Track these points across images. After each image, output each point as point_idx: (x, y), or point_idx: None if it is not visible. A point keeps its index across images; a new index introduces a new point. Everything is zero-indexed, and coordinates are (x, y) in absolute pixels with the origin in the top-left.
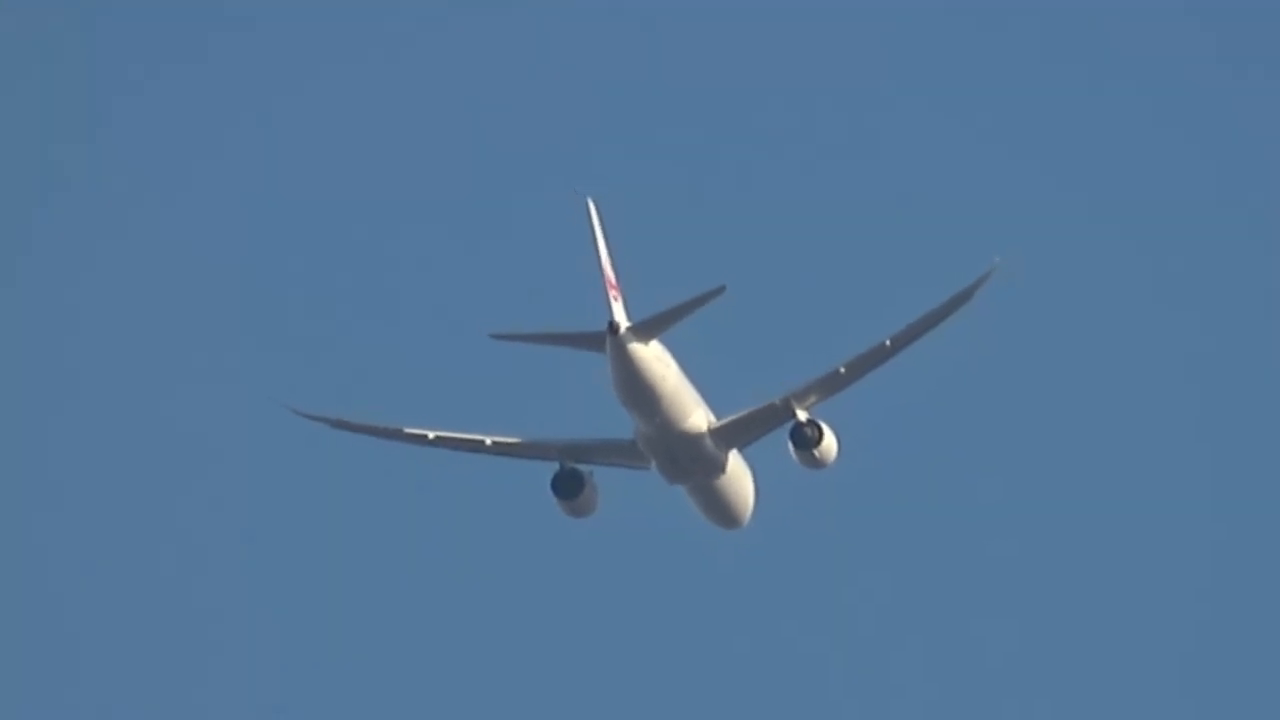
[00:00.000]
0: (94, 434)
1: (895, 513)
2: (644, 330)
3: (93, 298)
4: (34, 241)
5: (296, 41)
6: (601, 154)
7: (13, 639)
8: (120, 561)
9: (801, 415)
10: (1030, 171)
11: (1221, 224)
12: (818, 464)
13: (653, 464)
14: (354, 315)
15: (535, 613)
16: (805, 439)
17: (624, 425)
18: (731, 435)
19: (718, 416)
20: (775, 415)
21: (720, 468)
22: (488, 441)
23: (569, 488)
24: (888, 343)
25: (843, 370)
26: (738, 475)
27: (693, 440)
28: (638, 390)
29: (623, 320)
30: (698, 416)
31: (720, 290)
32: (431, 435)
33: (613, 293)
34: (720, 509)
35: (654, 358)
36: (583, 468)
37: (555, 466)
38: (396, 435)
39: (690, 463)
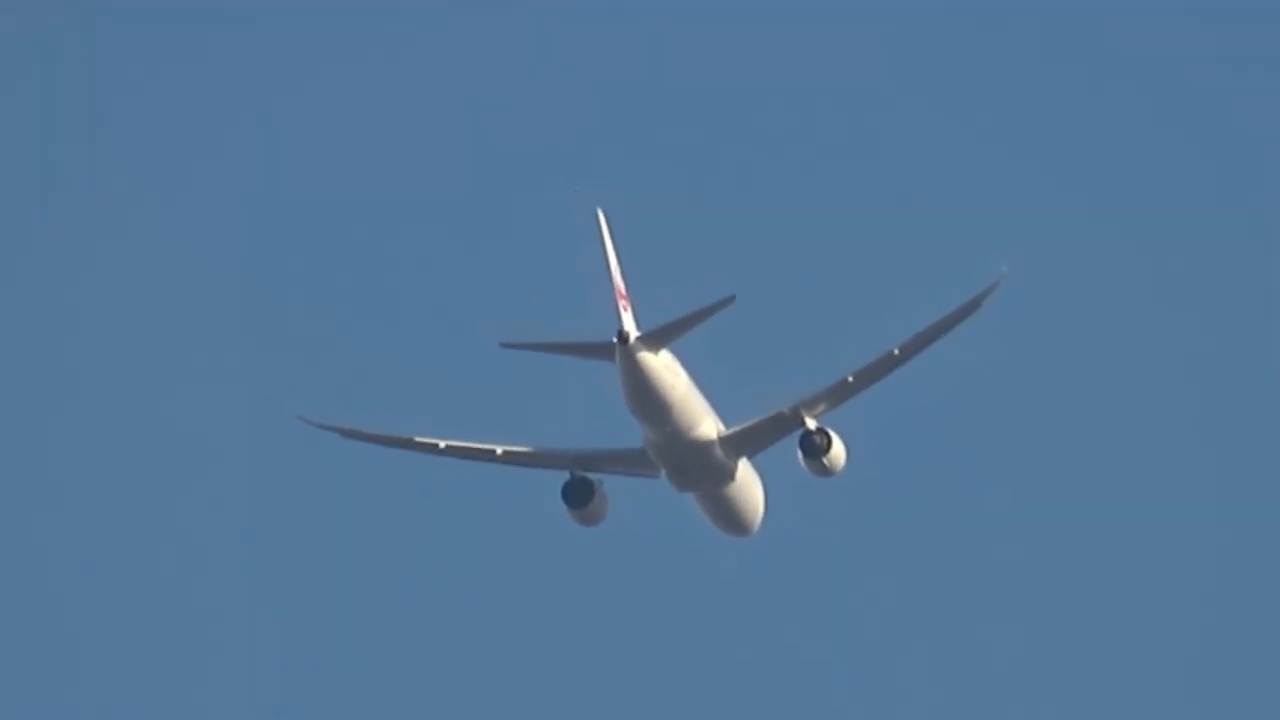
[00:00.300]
0: (94, 434)
1: (904, 521)
2: (653, 340)
3: (93, 298)
4: (34, 241)
5: (296, 41)
6: (601, 154)
7: (13, 639)
8: (120, 561)
9: (810, 423)
10: (1030, 171)
11: (1221, 224)
12: (827, 472)
13: (662, 472)
14: (354, 315)
15: (546, 620)
16: (814, 447)
17: (633, 434)
18: (741, 444)
19: (727, 424)
20: (784, 424)
21: (729, 476)
22: (498, 451)
23: (579, 496)
24: (896, 351)
25: (851, 379)
26: (747, 483)
27: (702, 449)
28: (647, 399)
29: (632, 330)
30: (707, 425)
31: (730, 300)
32: (442, 445)
33: (622, 302)
34: (729, 517)
35: (663, 367)
36: (593, 476)
37: (566, 475)
38: (407, 444)
39: (700, 471)
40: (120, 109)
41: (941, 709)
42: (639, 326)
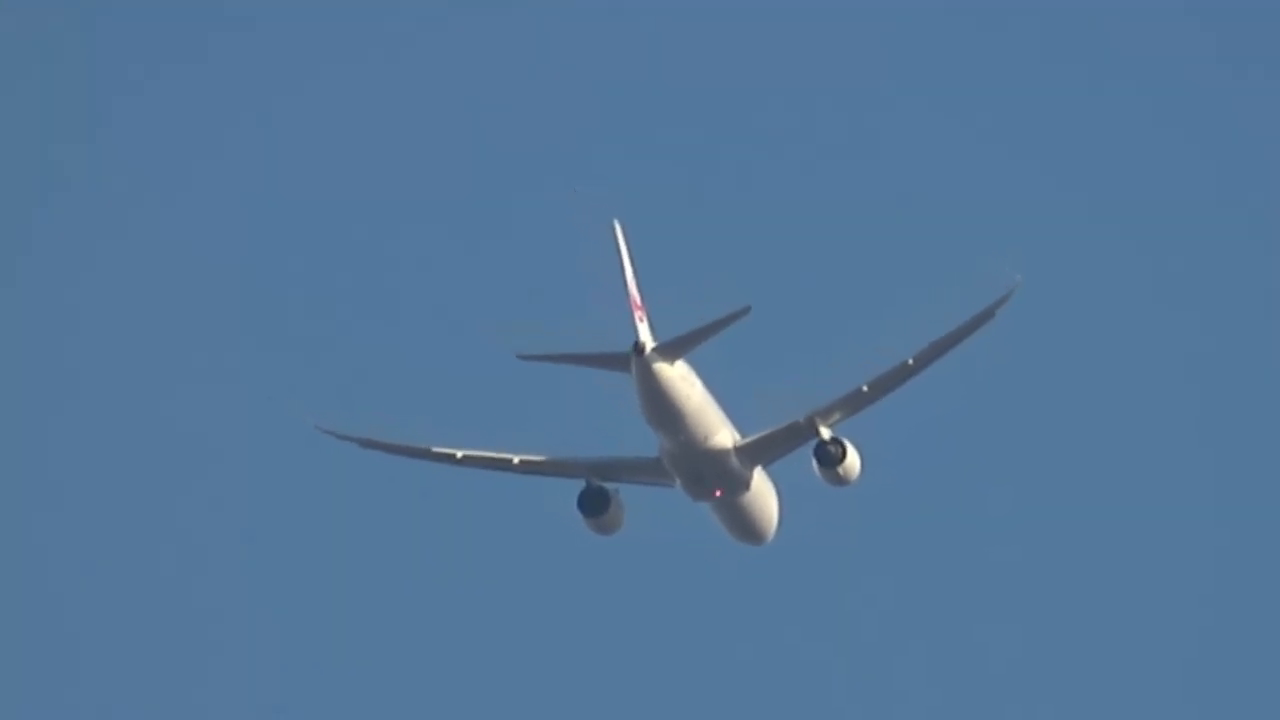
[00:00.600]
0: (94, 434)
1: (918, 529)
2: (669, 350)
3: (93, 298)
4: (34, 241)
5: (296, 41)
6: (601, 154)
7: (13, 639)
8: (119, 561)
9: (825, 433)
10: (1030, 171)
11: (1221, 224)
12: (841, 481)
13: (678, 482)
14: (354, 315)
15: (562, 628)
16: (829, 456)
17: (649, 443)
18: (756, 453)
19: (742, 434)
20: (799, 433)
21: (745, 485)
22: (515, 460)
23: (595, 505)
24: (910, 361)
25: (866, 388)
26: (762, 492)
27: (718, 458)
28: (663, 409)
29: (648, 341)
30: (723, 435)
31: (745, 310)
32: (459, 454)
33: (638, 313)
34: (744, 526)
35: (679, 377)
36: (609, 485)
37: (582, 484)
38: (424, 454)
39: (715, 480)
40: (120, 109)
41: (956, 715)
42: (654, 336)
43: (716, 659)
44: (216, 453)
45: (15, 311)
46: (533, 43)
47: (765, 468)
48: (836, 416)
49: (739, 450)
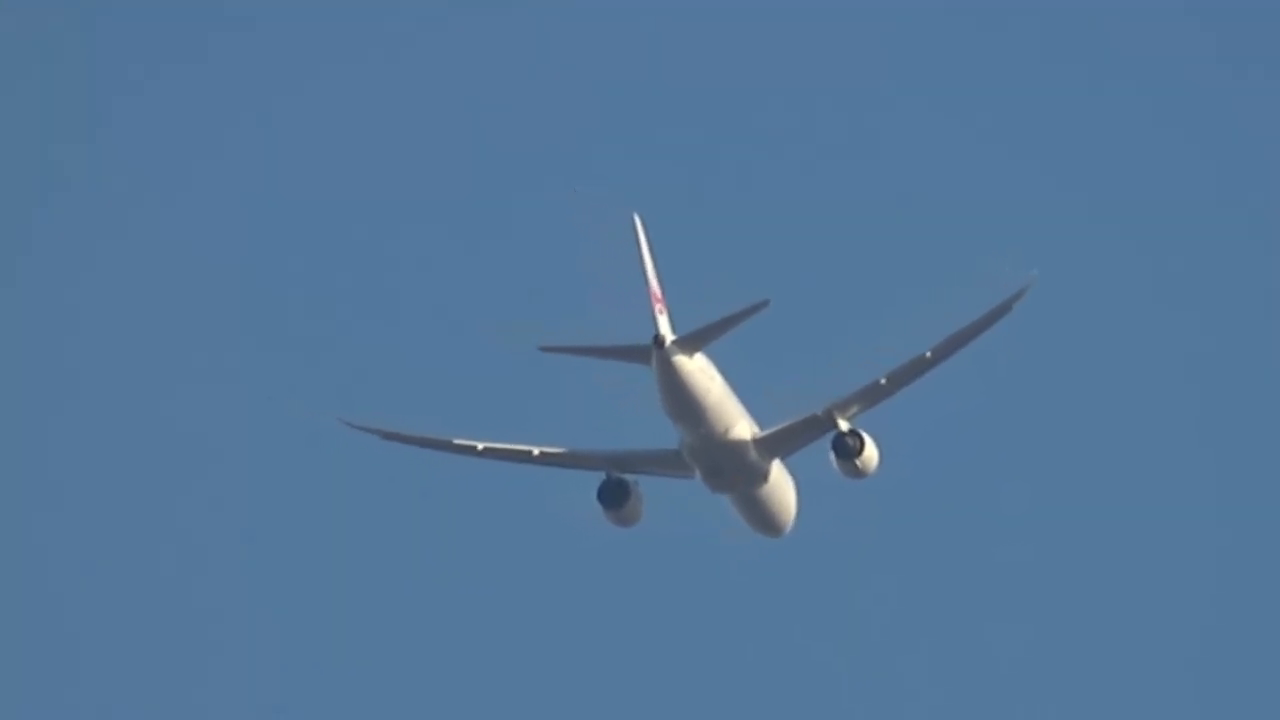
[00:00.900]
0: (94, 434)
1: (936, 521)
2: (689, 344)
3: (93, 298)
4: (34, 241)
5: (296, 41)
6: (601, 154)
7: (13, 639)
8: (119, 561)
9: (843, 425)
10: (1030, 171)
11: (1221, 224)
12: (859, 474)
13: (697, 474)
14: (354, 315)
15: (582, 619)
16: (847, 449)
17: (668, 435)
18: (774, 445)
19: (761, 427)
20: (817, 425)
21: (763, 477)
22: (535, 452)
23: (615, 497)
24: (928, 354)
25: (884, 381)
26: (780, 484)
27: (736, 450)
28: (683, 402)
29: (668, 334)
30: (741, 427)
31: (765, 304)
32: (480, 447)
33: (658, 306)
34: (763, 517)
35: (699, 370)
36: (628, 477)
37: (601, 476)
38: (445, 446)
39: (734, 472)
40: (120, 109)
41: (970, 707)
42: (673, 330)
43: (734, 650)
44: (217, 453)
45: (15, 311)
46: (533, 43)
47: (784, 460)
48: (854, 409)
49: (758, 442)
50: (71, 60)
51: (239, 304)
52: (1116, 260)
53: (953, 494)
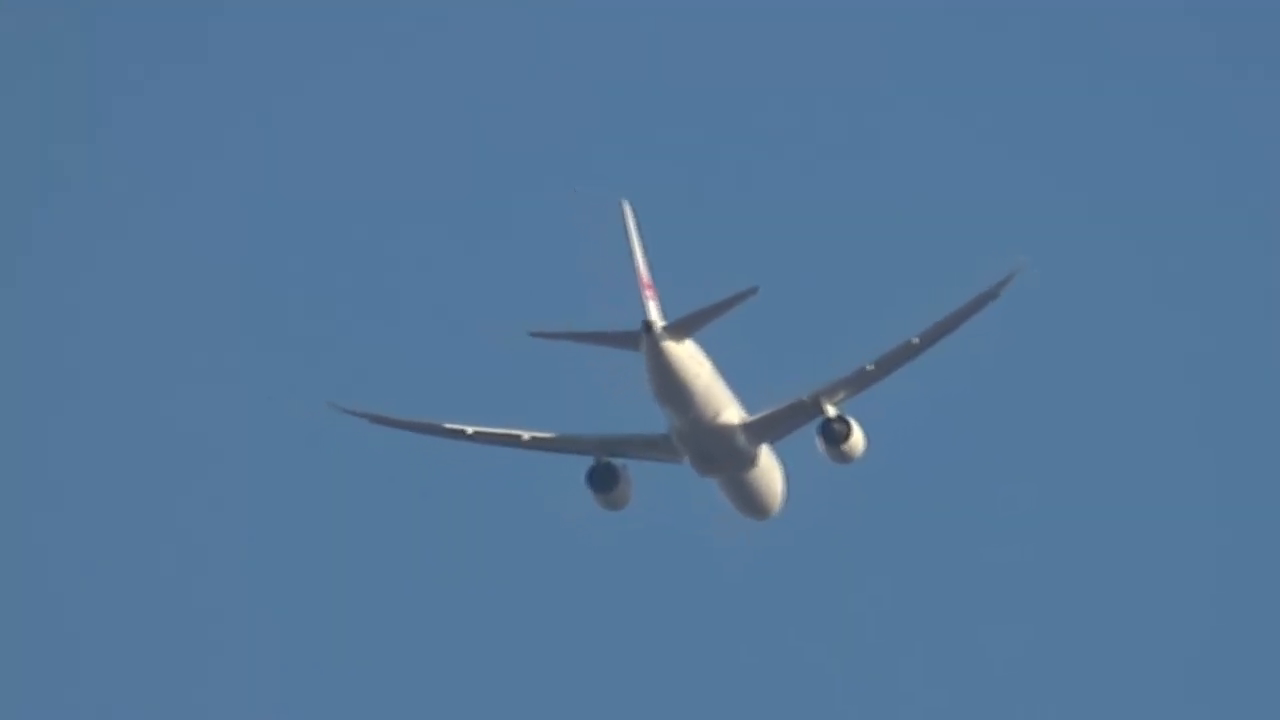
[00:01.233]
0: (94, 434)
1: (922, 506)
2: (678, 329)
3: (93, 298)
4: (34, 241)
5: (296, 41)
6: (601, 154)
7: (13, 639)
8: (119, 561)
9: (831, 411)
10: (1030, 171)
11: (1221, 224)
12: (846, 459)
13: (686, 458)
14: (354, 315)
15: (570, 601)
16: (834, 434)
17: (657, 421)
18: (762, 430)
19: (749, 412)
20: (805, 411)
21: (751, 461)
22: (525, 436)
23: (604, 481)
24: (915, 340)
25: (871, 367)
26: (768, 468)
27: (725, 435)
28: (672, 387)
29: (658, 319)
30: (730, 412)
31: (753, 291)
32: (470, 430)
33: (648, 292)
34: (751, 501)
35: (688, 356)
36: (617, 462)
37: (591, 460)
38: (435, 430)
39: (722, 457)
40: (120, 109)
41: (957, 693)
42: (663, 316)
43: (723, 632)
44: (217, 453)
45: (15, 311)
46: (533, 43)
47: (771, 445)
48: (842, 395)
49: (746, 427)
50: (71, 60)
51: (239, 304)
52: (1116, 260)
53: (939, 479)
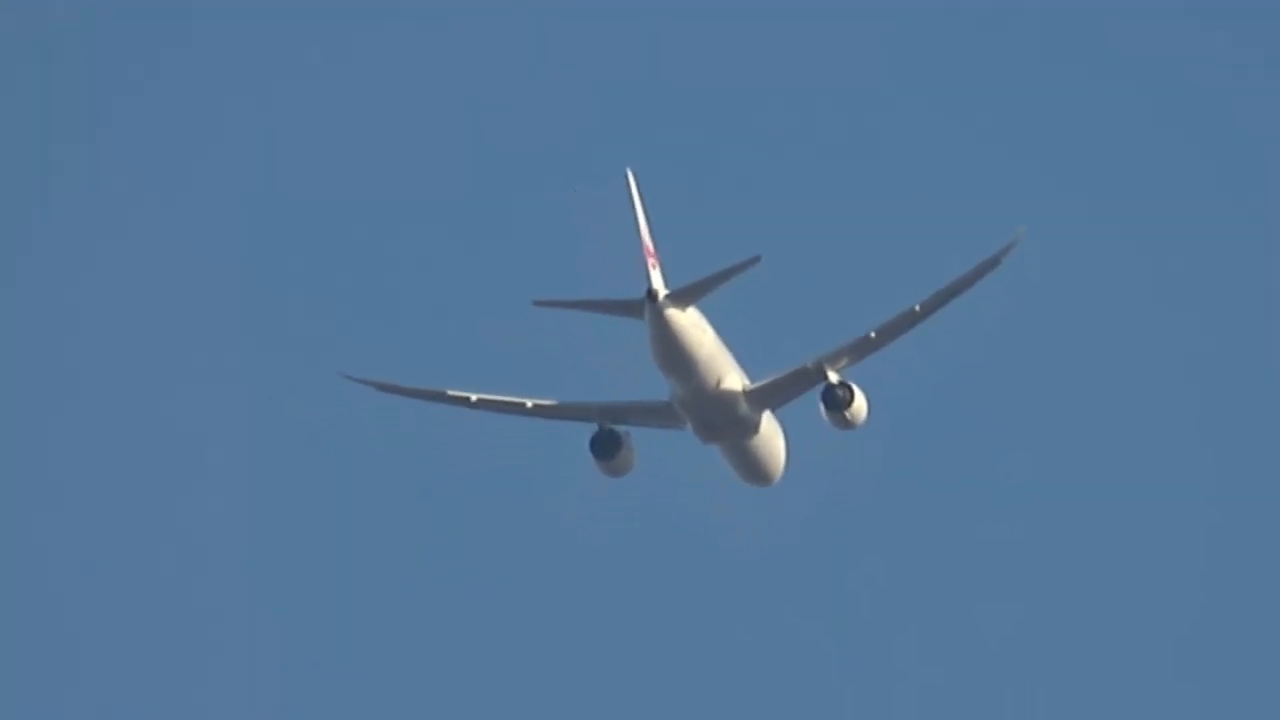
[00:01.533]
0: (94, 434)
1: (923, 472)
2: (681, 297)
3: (93, 298)
4: (34, 241)
5: (296, 41)
6: (601, 154)
7: (13, 639)
8: (119, 562)
9: (833, 377)
10: (1030, 171)
11: (1221, 224)
12: (848, 425)
13: (688, 425)
14: (354, 315)
15: (573, 567)
16: (836, 400)
17: (659, 387)
18: (765, 397)
19: (751, 379)
20: (807, 378)
21: (753, 428)
22: (528, 404)
23: (607, 448)
24: (917, 308)
25: (873, 335)
26: (770, 435)
27: (727, 402)
28: (675, 355)
29: (661, 288)
30: (732, 379)
31: (755, 260)
32: (474, 398)
33: (651, 261)
34: (753, 467)
35: (691, 324)
36: (620, 429)
37: (594, 427)
38: (440, 398)
39: (724, 424)
40: (120, 109)
41: (949, 662)
42: (666, 285)
43: (725, 598)
44: (217, 453)
45: (15, 311)
46: (533, 43)
47: (774, 412)
48: (844, 362)
49: (748, 394)
50: (71, 60)
51: (239, 304)
52: (1116, 260)
53: (940, 445)
